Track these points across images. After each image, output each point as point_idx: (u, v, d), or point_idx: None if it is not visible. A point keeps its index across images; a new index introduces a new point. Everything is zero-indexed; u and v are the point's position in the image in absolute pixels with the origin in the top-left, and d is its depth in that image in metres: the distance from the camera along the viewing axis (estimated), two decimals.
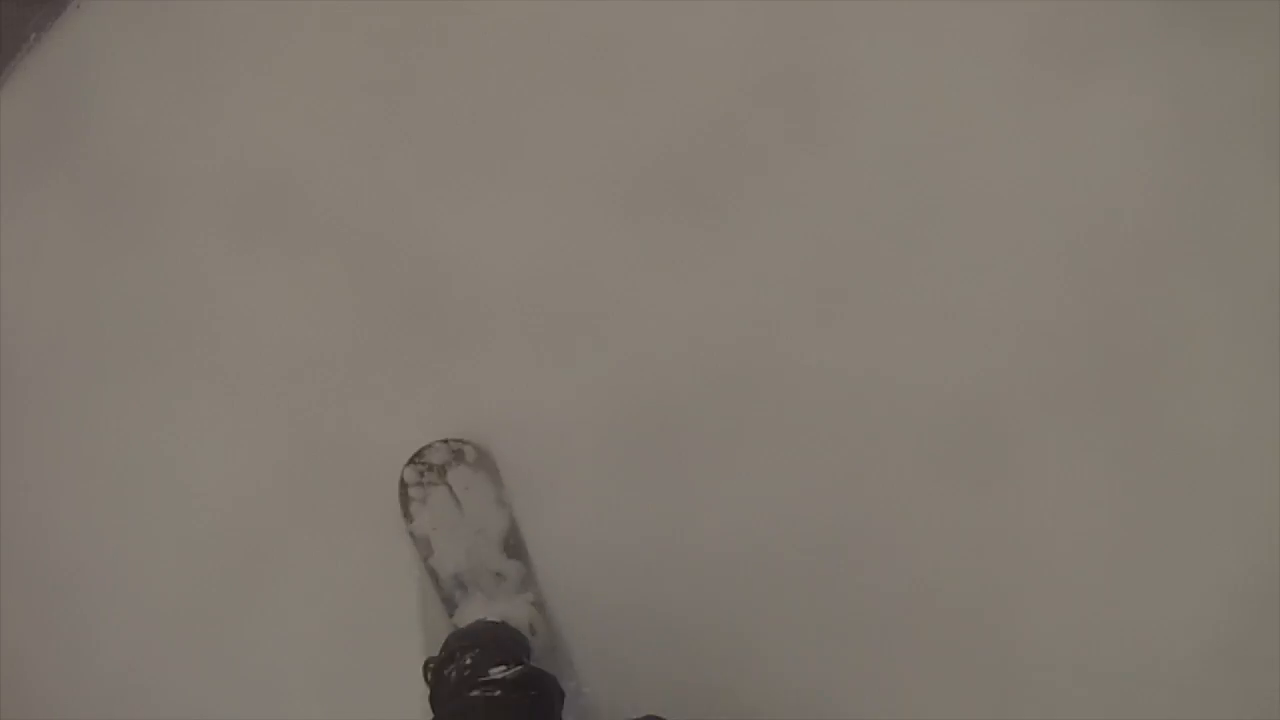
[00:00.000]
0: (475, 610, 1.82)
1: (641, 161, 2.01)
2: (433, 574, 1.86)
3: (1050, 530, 1.85)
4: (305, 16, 2.08)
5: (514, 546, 1.86)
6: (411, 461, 1.87)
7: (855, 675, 1.84)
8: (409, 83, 2.06)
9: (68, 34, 2.09)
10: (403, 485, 1.87)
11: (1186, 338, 1.89)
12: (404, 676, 1.79)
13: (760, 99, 2.01)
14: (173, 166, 2.05)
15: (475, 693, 1.52)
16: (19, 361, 2.03)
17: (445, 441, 1.87)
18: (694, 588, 1.89)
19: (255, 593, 1.96)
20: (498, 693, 1.52)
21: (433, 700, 1.62)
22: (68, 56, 2.08)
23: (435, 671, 1.66)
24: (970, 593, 1.85)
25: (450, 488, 1.86)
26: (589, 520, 1.91)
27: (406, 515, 1.87)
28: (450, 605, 1.85)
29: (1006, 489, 1.87)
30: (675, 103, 2.02)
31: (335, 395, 1.98)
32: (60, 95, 2.08)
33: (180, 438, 2.00)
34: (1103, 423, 1.87)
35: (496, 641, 1.71)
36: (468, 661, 1.60)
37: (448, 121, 2.05)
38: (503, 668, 1.55)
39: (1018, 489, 1.87)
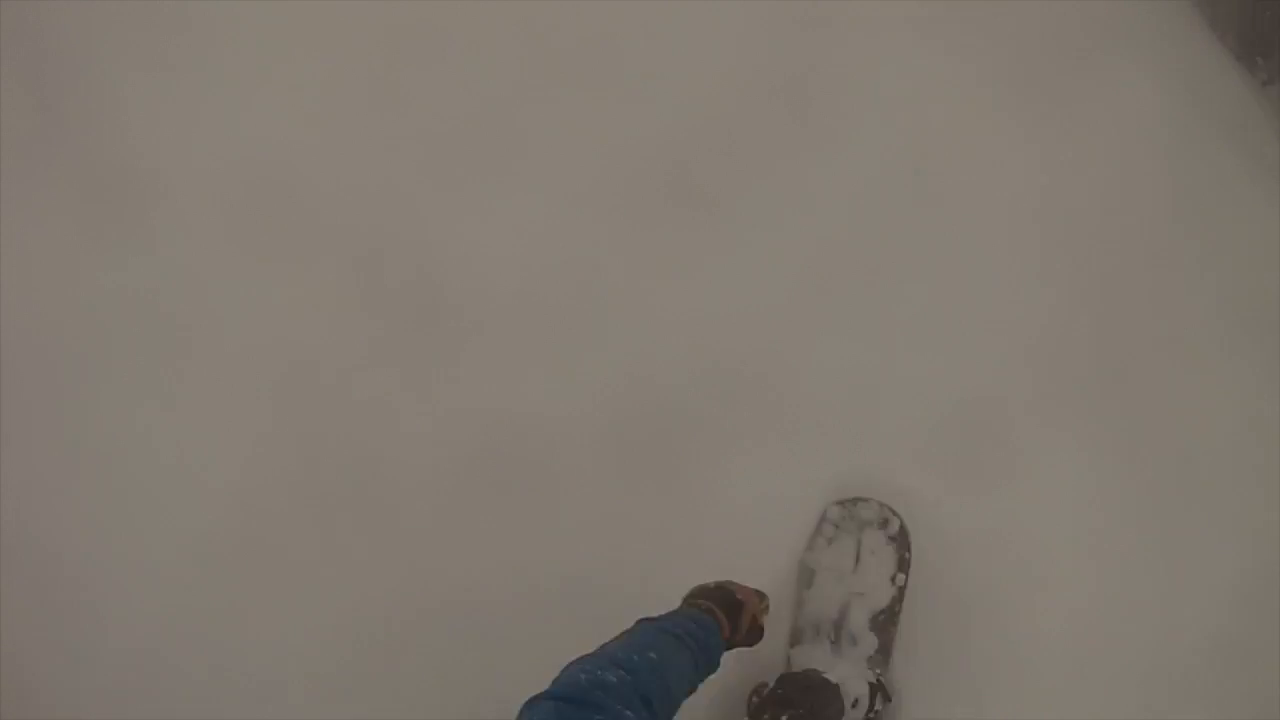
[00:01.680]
0: (817, 657, 1.90)
1: (641, 162, 2.02)
2: (799, 603, 1.97)
3: (1050, 530, 1.86)
4: (305, 17, 2.11)
5: (882, 624, 1.91)
6: (842, 503, 1.99)
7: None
8: (410, 83, 2.09)
9: (68, 34, 2.15)
10: (823, 518, 1.99)
11: (1186, 338, 1.90)
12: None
13: (760, 100, 2.01)
14: (173, 166, 2.10)
15: None
16: (19, 361, 2.08)
17: (882, 504, 1.96)
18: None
19: (253, 592, 2.00)
20: None
21: None
22: (68, 56, 2.14)
23: (762, 702, 1.76)
24: (970, 592, 1.84)
25: (860, 543, 1.96)
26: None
27: (810, 544, 1.99)
28: (796, 637, 1.94)
29: (1006, 489, 1.86)
30: (675, 104, 2.03)
31: (335, 395, 2.03)
32: (60, 94, 2.14)
33: (180, 437, 2.05)
34: (1103, 422, 1.89)
35: (819, 709, 1.77)
36: (784, 718, 1.69)
37: (448, 122, 2.08)
38: None
39: (1018, 489, 1.86)
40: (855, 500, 1.98)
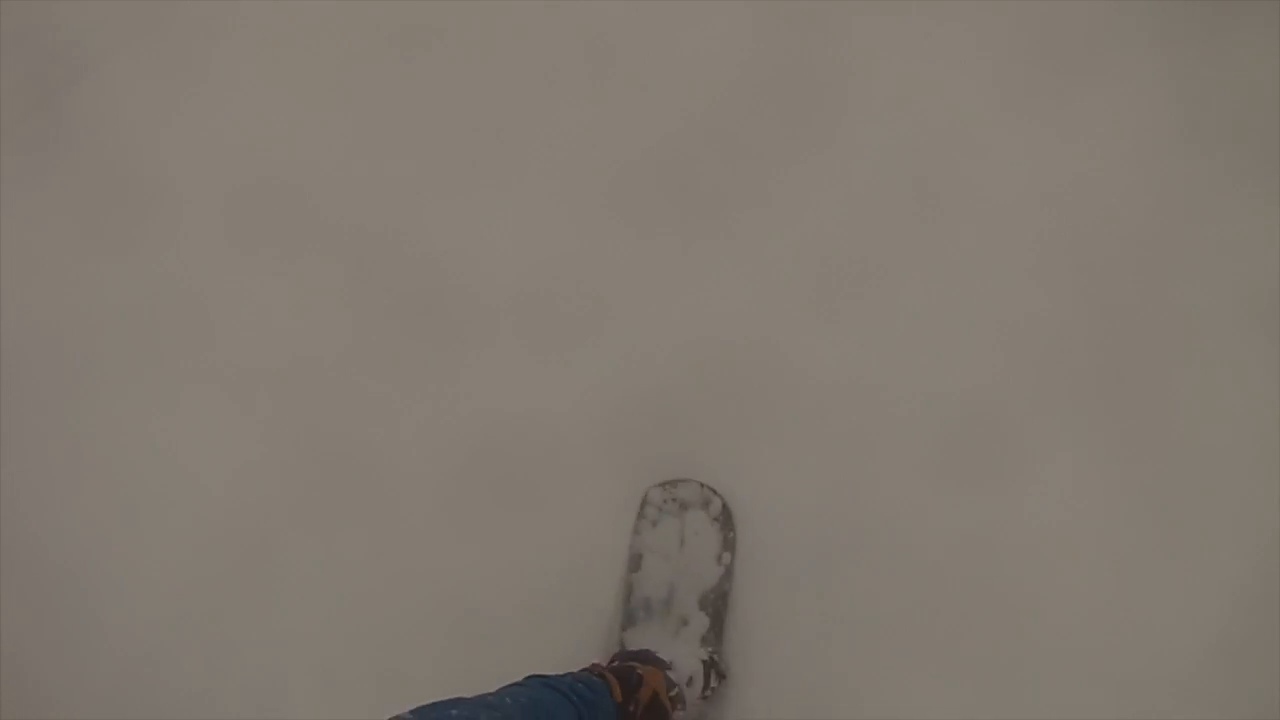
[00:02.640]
0: (649, 637, 1.84)
1: (641, 163, 2.05)
2: (628, 588, 1.91)
3: (1050, 530, 1.82)
4: (306, 18, 2.17)
5: (711, 604, 1.88)
6: (662, 485, 1.97)
7: (855, 675, 1.79)
8: (409, 83, 2.14)
9: (68, 34, 2.18)
10: (645, 501, 1.96)
11: (1186, 338, 1.87)
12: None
13: (760, 100, 2.05)
14: (173, 166, 2.13)
15: None
16: (19, 361, 2.07)
17: (702, 485, 1.96)
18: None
19: (253, 592, 1.95)
20: None
21: None
22: (68, 57, 2.17)
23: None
24: (970, 592, 1.79)
25: (683, 524, 1.94)
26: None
27: (635, 528, 1.95)
28: (629, 620, 1.88)
29: (1007, 489, 1.83)
30: (675, 104, 2.07)
31: (335, 395, 2.03)
32: (60, 94, 2.17)
33: (180, 437, 2.03)
34: (1103, 422, 1.85)
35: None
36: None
37: (448, 122, 2.12)
38: None
39: (1018, 489, 1.83)
40: (675, 482, 1.97)
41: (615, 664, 1.53)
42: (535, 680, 1.28)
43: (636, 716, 1.40)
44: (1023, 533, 1.82)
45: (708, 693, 1.80)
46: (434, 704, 1.12)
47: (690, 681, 1.78)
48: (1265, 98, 1.96)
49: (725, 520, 1.94)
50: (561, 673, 1.36)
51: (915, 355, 1.93)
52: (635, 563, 1.92)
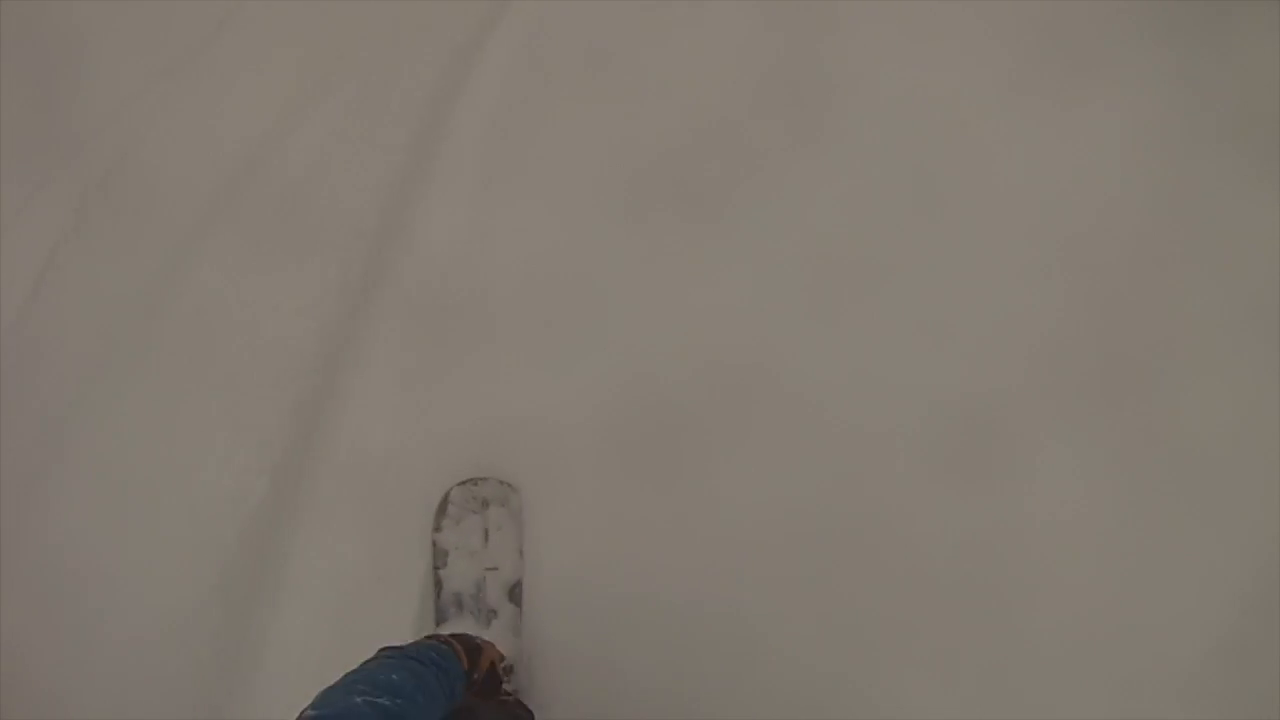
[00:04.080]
0: (463, 630, 1.85)
1: (642, 163, 2.11)
2: (438, 584, 1.91)
3: (1051, 530, 1.81)
4: (306, 18, 2.23)
5: (517, 595, 1.93)
6: (463, 483, 1.99)
7: (855, 675, 1.78)
8: (409, 84, 2.20)
9: (68, 34, 2.18)
10: (446, 499, 1.97)
11: (1186, 338, 1.88)
12: None
13: (760, 101, 2.12)
14: (173, 166, 2.13)
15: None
16: (18, 361, 2.01)
17: (502, 482, 2.01)
18: (693, 587, 1.86)
19: (252, 592, 1.89)
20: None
21: None
22: (68, 57, 2.16)
23: None
24: (971, 592, 1.80)
25: (485, 520, 1.98)
26: (586, 519, 1.92)
27: (437, 525, 1.95)
28: (441, 615, 1.88)
29: (1008, 489, 1.83)
30: (676, 105, 2.14)
31: (335, 395, 2.01)
32: (60, 94, 2.14)
33: (180, 436, 1.99)
34: (1103, 423, 1.86)
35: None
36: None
37: (448, 123, 2.17)
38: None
39: (1019, 489, 1.84)
40: (475, 480, 2.00)
41: (460, 634, 1.53)
42: (396, 652, 1.26)
43: (478, 683, 1.43)
44: (1023, 533, 1.82)
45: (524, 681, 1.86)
46: (332, 690, 1.11)
47: (511, 670, 1.83)
48: (1266, 98, 2.02)
49: (524, 514, 2.00)
50: (412, 642, 1.35)
51: (915, 355, 1.96)
52: (442, 559, 1.93)
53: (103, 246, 2.04)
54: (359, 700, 1.09)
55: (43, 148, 2.09)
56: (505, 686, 1.65)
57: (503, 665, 1.51)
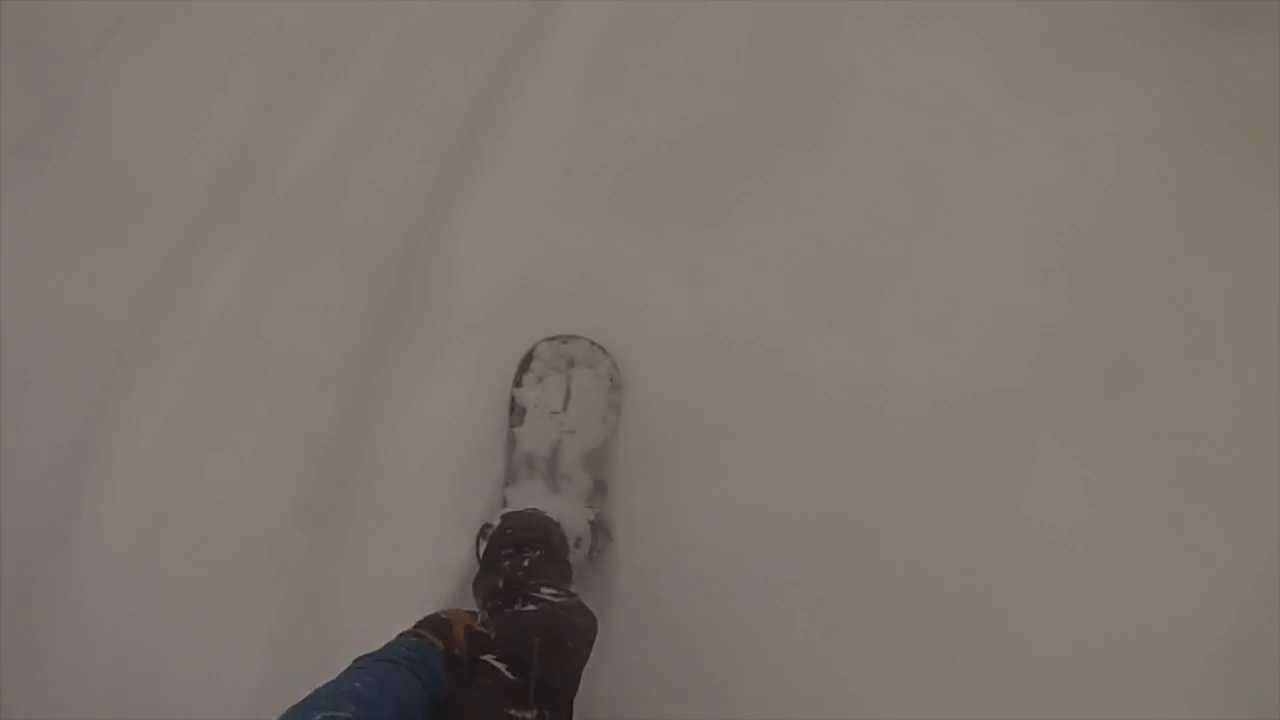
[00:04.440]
0: (533, 496, 1.74)
1: (642, 162, 2.06)
2: (511, 441, 1.81)
3: (1051, 530, 1.80)
4: (306, 19, 2.18)
5: (596, 464, 1.81)
6: (552, 339, 1.87)
7: (856, 675, 1.76)
8: (410, 84, 2.14)
9: (68, 34, 2.16)
10: (530, 354, 1.85)
11: (1187, 338, 1.88)
12: None
13: (761, 100, 2.09)
14: (173, 166, 2.08)
15: (541, 597, 1.50)
16: (18, 361, 1.96)
17: (592, 343, 1.88)
18: (694, 587, 1.81)
19: (252, 592, 1.83)
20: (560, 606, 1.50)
21: (480, 574, 1.62)
22: (68, 57, 2.14)
23: (491, 544, 1.65)
24: (971, 592, 1.79)
25: (570, 381, 1.85)
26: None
27: (517, 380, 1.84)
28: (511, 476, 1.78)
29: (1008, 489, 1.82)
30: (676, 104, 2.10)
31: (334, 395, 1.94)
32: (60, 94, 2.12)
33: (180, 436, 1.93)
34: (1104, 423, 1.84)
35: (552, 550, 1.65)
36: (524, 564, 1.57)
37: (449, 123, 2.12)
38: (554, 591, 1.52)
39: (1019, 489, 1.82)
40: (566, 338, 1.88)
41: (423, 620, 1.45)
42: (367, 660, 1.26)
43: (462, 653, 1.36)
44: (1023, 532, 1.80)
45: (594, 554, 1.75)
46: (295, 708, 1.11)
47: (578, 543, 1.71)
48: (1266, 98, 2.01)
49: (613, 380, 1.87)
50: (379, 647, 1.33)
51: (915, 355, 1.92)
52: (519, 416, 1.81)
53: (103, 246, 2.02)
54: (318, 717, 1.10)
55: (43, 148, 2.09)
56: (534, 595, 1.54)
57: (477, 622, 1.41)
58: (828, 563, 1.79)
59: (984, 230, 1.99)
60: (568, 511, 1.73)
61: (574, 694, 1.38)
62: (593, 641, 1.48)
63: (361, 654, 1.28)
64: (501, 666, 1.35)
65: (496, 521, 1.68)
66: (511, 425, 1.81)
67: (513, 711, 1.29)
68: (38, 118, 2.10)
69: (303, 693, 1.14)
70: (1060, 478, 1.82)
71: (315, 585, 1.80)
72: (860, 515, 1.82)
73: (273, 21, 2.20)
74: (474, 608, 1.54)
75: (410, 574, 1.78)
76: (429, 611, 1.42)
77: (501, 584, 1.54)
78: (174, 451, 1.89)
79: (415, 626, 1.36)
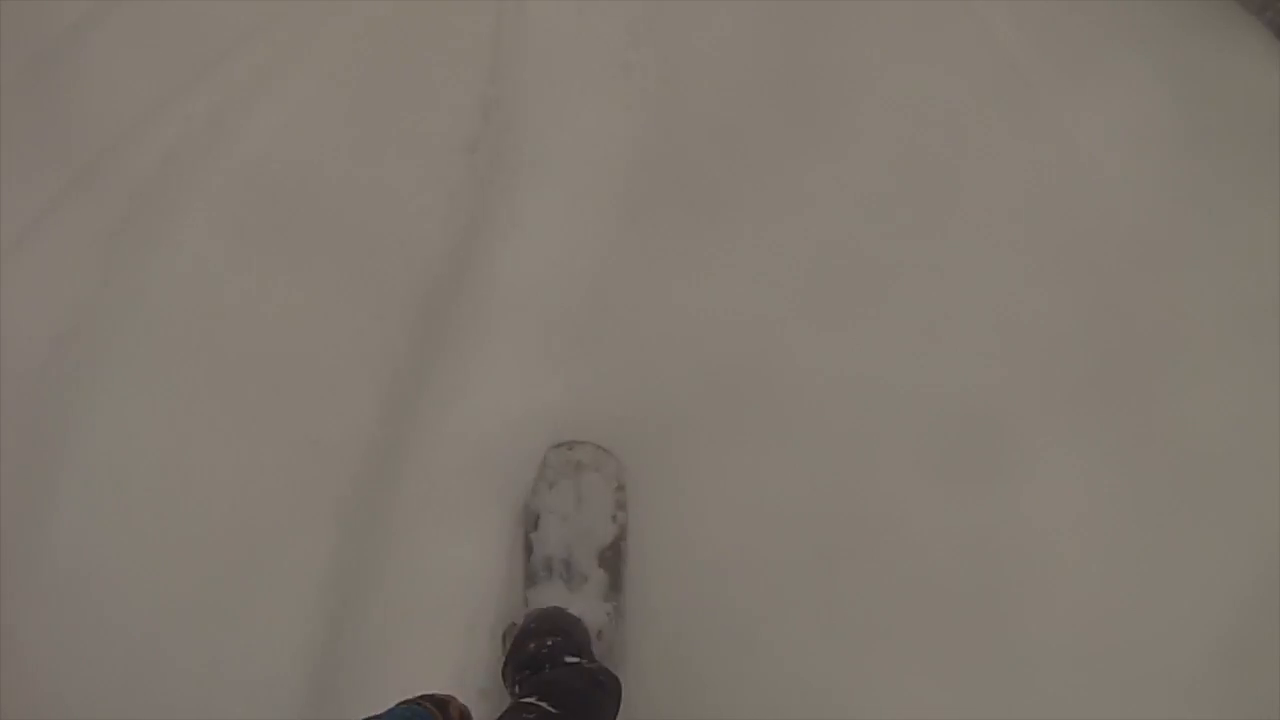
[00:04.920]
0: (554, 595, 1.89)
1: (643, 162, 2.09)
2: (528, 547, 1.94)
3: (1051, 530, 1.80)
4: (307, 18, 2.21)
5: (609, 560, 1.95)
6: (559, 446, 2.01)
7: (856, 674, 1.78)
8: (410, 84, 2.19)
9: (68, 34, 2.17)
10: (544, 463, 1.99)
11: (1186, 338, 1.88)
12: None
13: (762, 101, 2.10)
14: (173, 166, 2.11)
15: (568, 663, 1.62)
16: (19, 361, 2.00)
17: (598, 447, 2.02)
18: (693, 587, 1.88)
19: (252, 594, 1.90)
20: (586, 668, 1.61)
21: (507, 662, 1.71)
22: (68, 56, 2.16)
23: (517, 638, 1.75)
24: (970, 593, 1.79)
25: (579, 485, 1.99)
26: None
27: (534, 489, 1.98)
28: (531, 580, 1.92)
29: (1007, 489, 1.82)
30: (677, 104, 2.13)
31: (335, 396, 2.01)
32: (60, 94, 2.14)
33: (180, 436, 1.99)
34: (1104, 423, 1.85)
35: (573, 635, 1.78)
36: (548, 644, 1.69)
37: (449, 123, 2.16)
38: (577, 659, 1.65)
39: (1019, 489, 1.82)
40: (572, 444, 2.01)
41: (425, 695, 1.54)
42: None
43: None
44: (1023, 533, 1.81)
45: (615, 644, 1.88)
46: None
47: (599, 635, 1.85)
48: (1265, 98, 2.01)
49: (618, 479, 2.01)
50: (383, 710, 1.38)
51: (915, 354, 1.94)
52: (533, 522, 1.96)
53: (103, 246, 2.05)
54: None
55: (43, 148, 2.09)
56: (562, 661, 1.65)
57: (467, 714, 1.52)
58: (827, 563, 1.81)
59: (984, 230, 2.01)
60: (587, 608, 1.87)
61: None
62: (619, 699, 1.58)
63: (367, 716, 1.31)
64: (544, 704, 1.42)
65: (520, 621, 1.82)
66: (528, 532, 1.95)
67: None
68: (38, 118, 2.10)
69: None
70: (1060, 477, 1.83)
71: (315, 586, 1.86)
72: (860, 515, 1.84)
73: (270, 21, 2.21)
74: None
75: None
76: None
77: (529, 658, 1.65)
78: (171, 446, 1.93)
79: (419, 697, 1.41)
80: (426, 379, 2.01)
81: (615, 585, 1.94)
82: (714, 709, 1.77)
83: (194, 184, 2.10)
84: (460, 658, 1.79)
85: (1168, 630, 1.74)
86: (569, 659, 1.64)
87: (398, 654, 1.78)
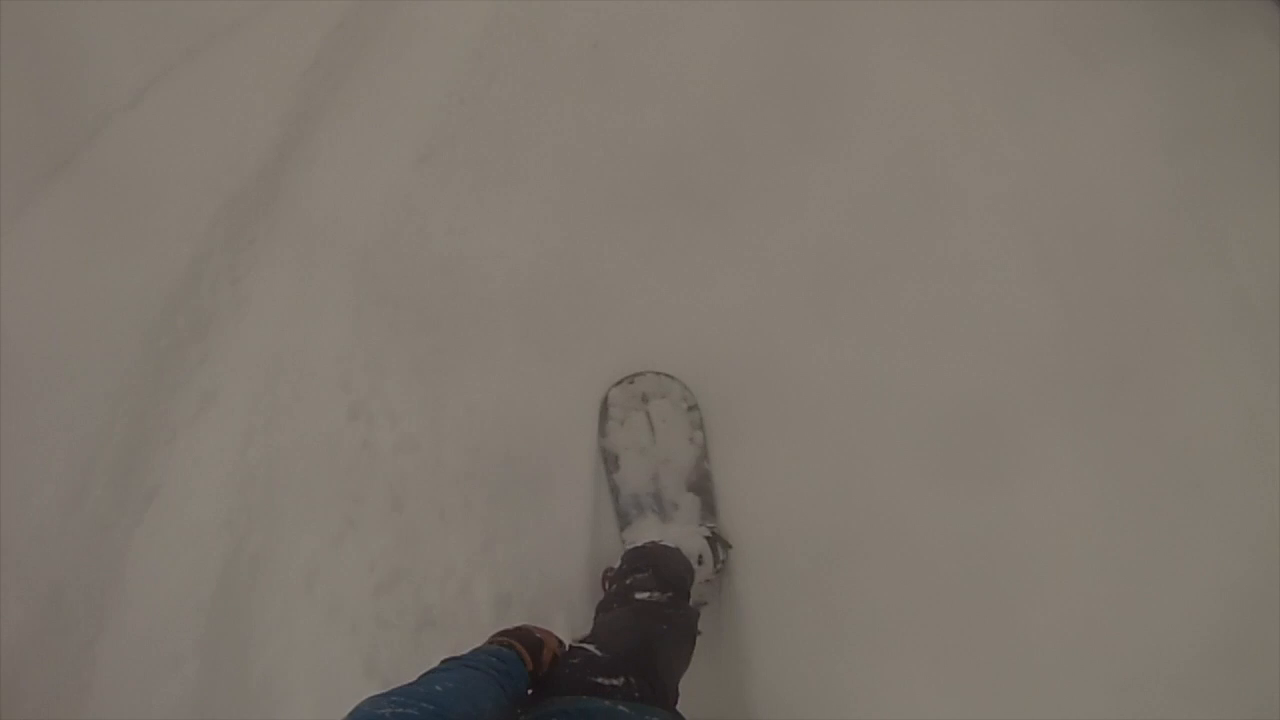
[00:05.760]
0: (648, 530, 1.85)
1: (643, 162, 2.08)
2: (614, 489, 1.91)
3: (1050, 529, 1.80)
4: (307, 18, 2.20)
5: (696, 482, 1.91)
6: (620, 383, 1.97)
7: (856, 672, 1.77)
8: (409, 83, 2.17)
9: (68, 34, 2.17)
10: (606, 403, 1.96)
11: (1185, 338, 1.88)
12: None
13: (761, 101, 2.09)
14: (173, 166, 2.11)
15: (635, 599, 1.62)
16: (19, 361, 2.00)
17: (658, 374, 1.97)
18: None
19: (253, 595, 1.88)
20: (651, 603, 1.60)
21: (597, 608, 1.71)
22: (68, 57, 2.16)
23: (611, 580, 1.76)
24: (970, 591, 1.78)
25: (649, 415, 1.95)
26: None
27: (602, 431, 1.95)
28: (624, 520, 1.89)
29: (1006, 488, 1.82)
30: (677, 104, 2.11)
31: (334, 397, 1.99)
32: (60, 94, 2.14)
33: (182, 436, 1.98)
34: (1103, 422, 1.85)
35: (664, 566, 1.75)
36: (628, 581, 1.68)
37: (450, 123, 2.15)
38: (647, 594, 1.63)
39: (1018, 488, 1.82)
40: (633, 376, 1.97)
41: (519, 630, 1.49)
42: (454, 662, 1.31)
43: (540, 675, 1.44)
44: (1022, 531, 1.81)
45: (719, 565, 1.85)
46: (369, 699, 1.14)
47: (701, 560, 1.81)
48: (1266, 97, 1.99)
49: (688, 400, 1.96)
50: (472, 650, 1.38)
51: (915, 354, 1.93)
52: (614, 463, 1.92)
53: (103, 246, 2.05)
54: (386, 712, 1.11)
55: (43, 148, 2.10)
56: (630, 598, 1.64)
57: (563, 651, 1.49)
58: (827, 562, 1.81)
59: (984, 230, 2.00)
60: (684, 535, 1.83)
61: (667, 670, 1.46)
62: (687, 627, 1.60)
63: (450, 655, 1.33)
64: (590, 647, 1.43)
65: (618, 563, 1.80)
66: (610, 473, 1.92)
67: (600, 680, 1.36)
68: (38, 118, 2.11)
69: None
70: (1059, 476, 1.84)
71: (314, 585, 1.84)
72: (859, 514, 1.85)
73: (278, 22, 2.23)
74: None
75: None
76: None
77: (605, 600, 1.67)
78: (172, 447, 1.94)
79: (510, 636, 1.42)
80: (423, 381, 2.01)
81: (709, 506, 1.90)
82: (713, 707, 1.75)
83: (193, 181, 2.13)
84: (564, 621, 1.77)
85: (1166, 628, 1.74)
86: (638, 595, 1.62)
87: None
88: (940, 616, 1.78)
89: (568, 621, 1.77)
